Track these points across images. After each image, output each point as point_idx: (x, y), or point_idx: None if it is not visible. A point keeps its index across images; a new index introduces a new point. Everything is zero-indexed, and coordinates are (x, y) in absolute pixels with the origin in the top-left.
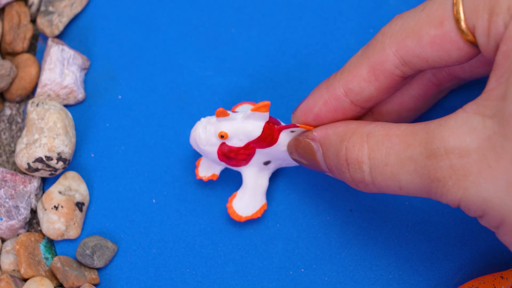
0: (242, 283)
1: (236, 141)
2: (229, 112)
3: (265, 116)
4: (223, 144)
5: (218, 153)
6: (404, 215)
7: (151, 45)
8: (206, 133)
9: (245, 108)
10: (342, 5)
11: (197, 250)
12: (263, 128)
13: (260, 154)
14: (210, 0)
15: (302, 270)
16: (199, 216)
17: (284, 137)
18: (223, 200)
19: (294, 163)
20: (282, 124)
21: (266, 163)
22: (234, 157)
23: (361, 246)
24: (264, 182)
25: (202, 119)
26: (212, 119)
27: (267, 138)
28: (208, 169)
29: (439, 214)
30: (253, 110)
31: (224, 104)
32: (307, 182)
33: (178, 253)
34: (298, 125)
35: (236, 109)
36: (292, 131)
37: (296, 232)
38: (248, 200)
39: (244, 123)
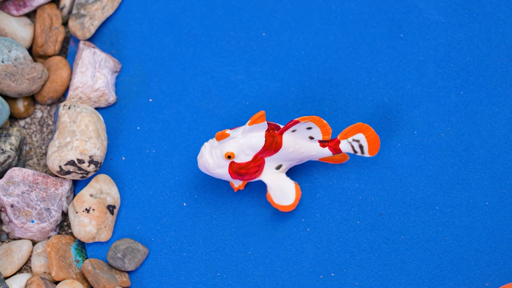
0: (273, 287)
1: (244, 157)
2: (228, 132)
3: (264, 125)
4: (232, 163)
5: (229, 172)
6: (434, 219)
7: (182, 49)
8: (213, 158)
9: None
10: (372, 10)
11: (228, 253)
12: (265, 137)
13: (270, 161)
14: (241, 4)
15: (332, 274)
16: (229, 219)
17: (288, 138)
18: (254, 203)
19: (303, 161)
20: (282, 127)
21: (278, 167)
22: (246, 172)
23: (392, 251)
24: (282, 175)
25: (206, 144)
26: (214, 142)
27: (272, 144)
28: None
29: (469, 218)
30: (250, 124)
31: (254, 108)
32: (336, 186)
33: (209, 256)
34: (295, 119)
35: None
36: (293, 131)
37: (326, 237)
38: (281, 194)
39: (246, 138)
